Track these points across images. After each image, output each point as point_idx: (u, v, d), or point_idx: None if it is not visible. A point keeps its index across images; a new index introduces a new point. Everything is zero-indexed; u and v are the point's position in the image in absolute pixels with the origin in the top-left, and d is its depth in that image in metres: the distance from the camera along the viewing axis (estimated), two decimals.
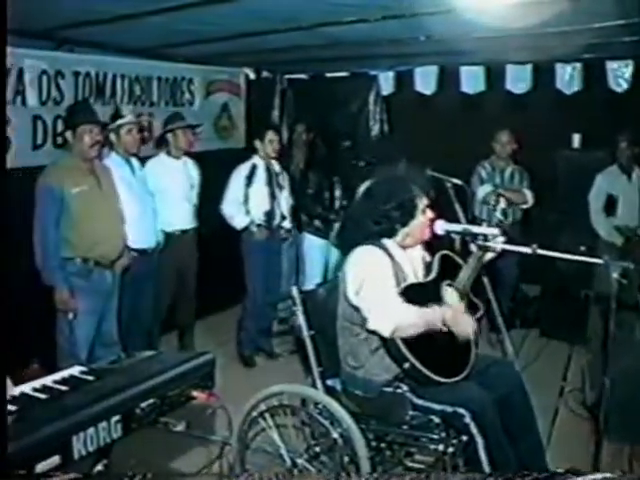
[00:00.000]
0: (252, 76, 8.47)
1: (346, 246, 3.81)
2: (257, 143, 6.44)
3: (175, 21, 5.03)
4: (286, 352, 6.69)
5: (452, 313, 3.64)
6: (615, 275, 3.31)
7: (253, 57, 7.61)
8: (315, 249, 6.86)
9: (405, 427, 3.63)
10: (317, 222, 6.78)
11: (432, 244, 4.00)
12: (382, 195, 3.76)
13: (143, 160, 5.97)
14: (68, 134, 4.96)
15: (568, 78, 7.44)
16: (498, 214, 4.15)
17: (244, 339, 6.57)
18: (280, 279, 6.79)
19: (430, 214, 3.78)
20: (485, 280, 5.26)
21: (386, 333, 3.47)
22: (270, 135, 6.39)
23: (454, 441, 3.50)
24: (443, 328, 3.62)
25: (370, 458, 3.54)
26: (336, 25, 5.28)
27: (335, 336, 3.85)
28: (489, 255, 3.89)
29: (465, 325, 3.68)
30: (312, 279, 6.67)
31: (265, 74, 8.77)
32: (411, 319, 3.50)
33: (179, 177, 6.18)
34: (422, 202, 3.75)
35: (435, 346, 3.61)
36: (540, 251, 3.54)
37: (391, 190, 3.77)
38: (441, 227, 3.83)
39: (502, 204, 4.60)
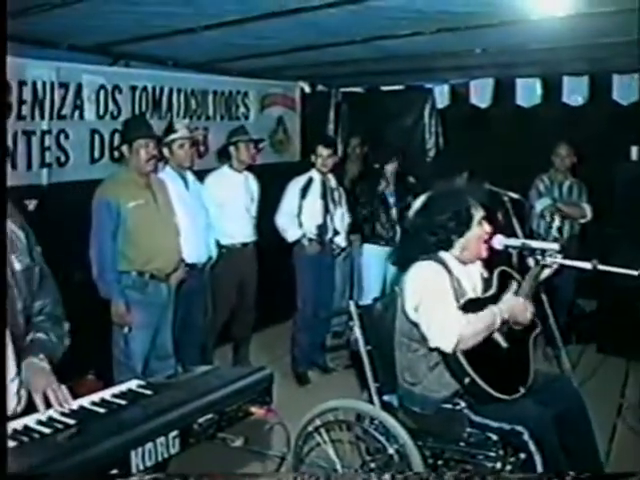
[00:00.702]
0: (307, 90, 8.49)
1: (404, 261, 3.79)
2: (312, 157, 6.45)
3: (230, 35, 5.07)
4: (340, 367, 6.67)
5: (508, 304, 3.65)
6: None
7: (308, 70, 7.63)
8: (374, 261, 6.75)
9: (462, 444, 3.59)
10: (379, 230, 6.70)
11: (490, 260, 3.96)
12: (438, 206, 3.75)
13: (198, 174, 6.01)
14: (124, 148, 5.03)
15: (625, 89, 7.32)
16: (554, 231, 4.10)
17: (298, 355, 6.54)
18: (332, 294, 6.76)
19: (487, 227, 3.74)
20: (543, 296, 5.21)
21: (448, 349, 3.44)
22: (320, 149, 6.38)
23: (511, 459, 3.46)
24: (504, 326, 3.64)
25: None
26: (391, 38, 5.28)
27: (392, 351, 3.81)
28: (547, 271, 3.85)
29: (524, 311, 3.69)
30: (370, 292, 6.58)
31: (320, 88, 8.79)
32: (472, 329, 3.47)
33: (241, 190, 6.22)
34: (478, 213, 3.72)
35: (495, 363, 3.59)
36: (601, 267, 3.49)
37: (447, 201, 3.76)
38: (500, 242, 3.79)
39: (557, 222, 4.54)
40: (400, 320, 3.73)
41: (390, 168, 6.69)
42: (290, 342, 6.61)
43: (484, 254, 3.79)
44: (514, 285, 3.81)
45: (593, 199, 6.99)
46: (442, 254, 3.71)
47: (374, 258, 6.76)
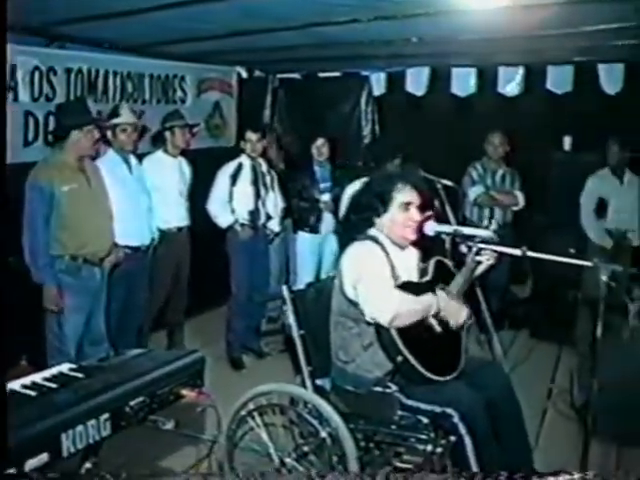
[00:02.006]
0: (244, 75, 8.46)
1: (343, 243, 3.86)
2: (242, 142, 6.47)
3: (168, 19, 5.02)
4: (275, 351, 6.70)
5: (446, 300, 3.72)
6: (604, 278, 3.33)
7: (245, 56, 7.61)
8: (306, 248, 6.91)
9: (394, 427, 3.64)
10: (307, 217, 6.83)
11: (424, 246, 4.02)
12: (366, 189, 3.89)
13: (140, 157, 6.01)
14: (63, 134, 4.97)
15: (559, 79, 7.42)
16: (493, 227, 4.13)
17: (232, 340, 6.55)
18: (267, 278, 6.77)
19: (412, 213, 3.79)
20: (475, 282, 5.29)
21: (385, 321, 3.50)
22: (249, 134, 6.41)
23: (442, 441, 3.51)
24: (433, 322, 3.70)
25: (358, 458, 3.55)
26: (328, 25, 5.29)
27: (325, 335, 3.86)
28: (483, 266, 3.95)
29: (458, 312, 3.76)
30: (304, 278, 6.69)
31: (257, 73, 8.77)
32: (408, 307, 3.55)
33: (175, 175, 6.20)
34: (401, 197, 3.79)
35: (428, 344, 3.66)
36: (530, 253, 3.58)
37: (375, 184, 3.88)
38: (431, 228, 3.87)
39: (497, 215, 4.55)
40: (337, 300, 3.79)
41: (321, 153, 6.79)
42: (225, 327, 6.62)
43: (410, 237, 3.84)
44: (447, 273, 3.91)
45: (526, 188, 7.11)
46: (377, 235, 3.81)
47: (306, 245, 6.90)
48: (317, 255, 6.93)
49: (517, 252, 3.61)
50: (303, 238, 6.90)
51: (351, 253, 3.74)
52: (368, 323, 3.62)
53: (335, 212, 6.71)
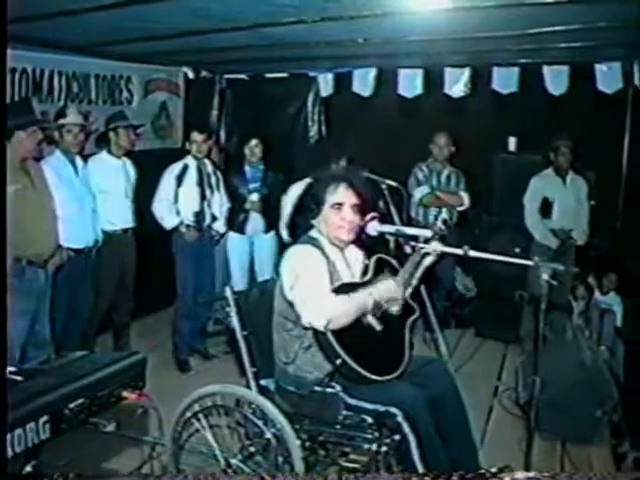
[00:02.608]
0: (191, 75, 8.39)
1: (284, 245, 3.90)
2: (187, 143, 6.46)
3: (114, 18, 4.97)
4: (221, 353, 6.67)
5: (380, 286, 3.74)
6: (545, 277, 3.36)
7: (192, 56, 7.56)
8: (236, 248, 6.96)
9: (338, 427, 3.66)
10: (235, 218, 6.85)
11: (369, 246, 4.04)
12: (305, 190, 3.94)
13: (86, 158, 5.96)
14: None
15: (504, 80, 7.47)
16: (439, 224, 4.16)
17: (178, 342, 6.53)
18: (212, 280, 6.74)
19: (347, 214, 3.79)
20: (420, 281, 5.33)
21: (320, 326, 3.51)
22: (194, 135, 6.40)
23: (387, 440, 3.53)
24: (373, 321, 3.71)
25: (304, 458, 3.57)
26: (275, 26, 5.28)
27: (269, 336, 3.86)
28: (427, 261, 3.96)
29: (394, 291, 3.78)
30: (236, 278, 6.82)
31: (204, 74, 8.71)
32: (343, 308, 3.56)
33: (120, 176, 6.15)
34: (333, 197, 3.78)
35: (368, 344, 3.67)
36: (472, 253, 3.60)
37: (312, 185, 3.92)
38: (374, 228, 3.90)
39: (444, 214, 4.56)
40: (278, 301, 3.78)
41: (253, 154, 6.82)
42: (171, 329, 6.61)
43: (343, 237, 3.82)
44: (390, 272, 3.92)
45: (472, 188, 7.15)
46: (318, 237, 3.82)
47: (235, 246, 6.95)
48: (248, 255, 6.99)
49: (459, 252, 3.63)
50: (232, 239, 6.92)
51: (289, 255, 3.76)
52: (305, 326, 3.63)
53: (264, 212, 6.82)
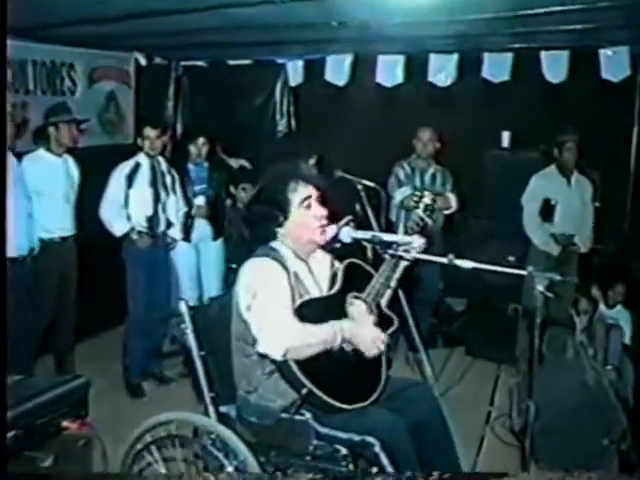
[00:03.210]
0: (143, 62, 8.37)
1: (239, 256, 3.88)
2: (139, 139, 6.45)
3: None
4: (178, 376, 6.65)
5: (353, 326, 3.70)
6: (540, 288, 3.36)
7: (144, 41, 7.54)
8: (181, 257, 6.94)
9: (308, 458, 3.64)
10: (177, 223, 6.76)
11: (341, 254, 4.05)
12: (259, 196, 3.88)
13: (20, 156, 5.90)
14: None
15: (496, 67, 7.48)
16: (420, 212, 4.17)
17: (130, 364, 6.51)
18: (168, 293, 6.69)
19: (318, 210, 3.80)
20: (400, 294, 5.32)
21: (277, 356, 3.51)
22: (147, 131, 6.38)
23: (362, 472, 3.55)
24: (345, 345, 3.68)
25: None
26: (239, 7, 5.27)
27: (229, 357, 3.84)
28: (404, 263, 3.97)
29: (370, 339, 3.72)
30: (185, 291, 6.81)
31: (158, 60, 8.70)
32: (305, 339, 3.54)
33: (60, 177, 6.14)
34: (298, 194, 3.78)
35: (338, 369, 3.65)
36: (457, 262, 3.54)
37: (272, 188, 3.85)
38: (348, 234, 3.80)
39: (426, 199, 4.38)
40: (235, 321, 3.77)
41: (200, 153, 6.87)
42: (122, 350, 6.57)
43: (319, 239, 3.83)
44: (363, 279, 3.94)
45: (460, 189, 7.18)
46: (279, 248, 3.80)
47: (180, 255, 6.92)
48: (195, 266, 7.03)
49: (443, 260, 3.60)
50: (178, 247, 6.85)
51: (246, 270, 3.75)
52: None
53: (212, 218, 6.87)
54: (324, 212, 3.81)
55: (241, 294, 3.70)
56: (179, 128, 8.78)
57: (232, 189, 7.50)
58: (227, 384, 3.88)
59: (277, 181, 3.84)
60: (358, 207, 5.67)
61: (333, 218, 3.86)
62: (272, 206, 3.78)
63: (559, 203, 6.93)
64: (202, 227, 6.92)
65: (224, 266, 7.19)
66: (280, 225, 3.78)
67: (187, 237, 6.85)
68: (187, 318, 3.79)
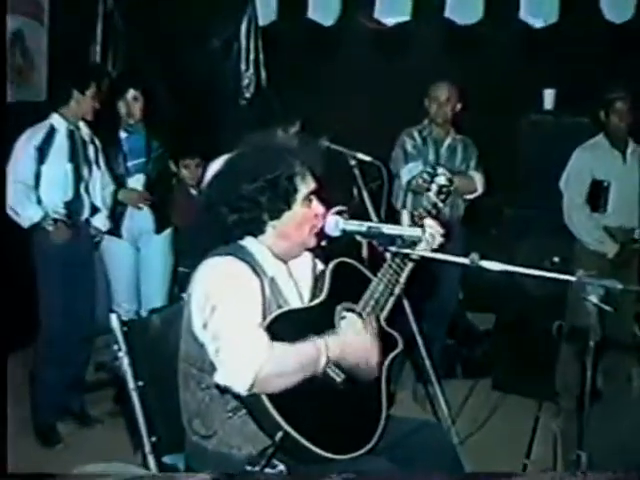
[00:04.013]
0: None
1: (193, 255, 3.85)
2: (54, 95, 6.44)
3: None
4: (106, 414, 6.68)
5: (342, 342, 3.68)
6: (594, 299, 3.30)
7: None
8: (113, 257, 6.98)
9: None
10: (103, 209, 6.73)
11: (328, 253, 4.07)
12: (245, 171, 3.78)
13: None
14: None
15: (539, 6, 7.49)
16: (433, 195, 4.17)
17: (41, 400, 6.47)
18: (93, 303, 6.69)
19: (318, 207, 3.82)
20: (406, 307, 5.35)
21: (242, 389, 3.43)
22: (70, 85, 6.36)
23: None
24: (332, 370, 3.67)
25: None
26: None
27: (176, 389, 3.85)
28: (411, 265, 4.01)
29: (365, 361, 3.72)
30: (119, 300, 6.88)
31: None
32: (279, 365, 3.47)
33: None
34: (306, 185, 3.78)
35: (322, 405, 3.62)
36: (483, 263, 3.54)
37: (259, 164, 3.78)
38: (336, 226, 3.79)
39: (441, 178, 4.31)
40: (186, 342, 3.74)
41: (131, 113, 6.85)
42: (29, 380, 6.54)
43: (311, 244, 3.86)
44: (357, 284, 3.96)
45: (487, 165, 7.22)
46: (251, 246, 3.77)
47: (111, 254, 6.97)
48: (131, 268, 7.04)
49: (464, 261, 3.62)
50: (108, 244, 6.89)
51: (203, 275, 3.69)
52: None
53: (154, 205, 6.88)
54: (323, 210, 3.84)
55: (195, 306, 3.64)
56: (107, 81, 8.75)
57: (172, 166, 7.51)
58: (174, 426, 3.86)
59: (271, 157, 3.81)
60: (353, 190, 5.70)
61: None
62: (268, 190, 3.72)
63: (613, 185, 6.86)
64: (141, 217, 6.92)
65: (171, 269, 7.20)
66: (277, 217, 3.76)
67: (117, 228, 6.85)
68: (120, 337, 3.81)
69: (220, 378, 3.47)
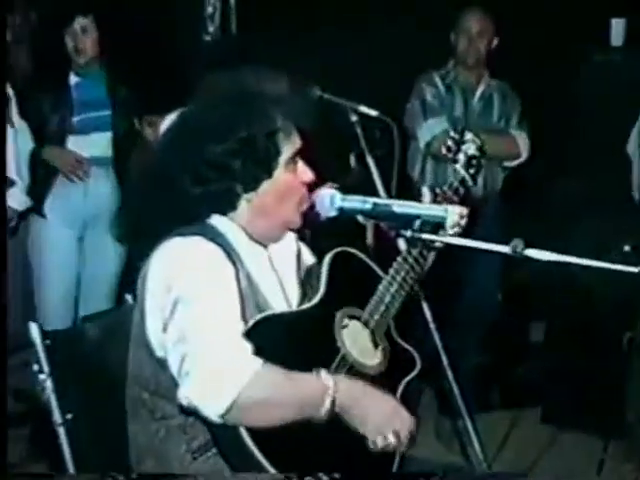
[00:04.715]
0: None
1: (138, 238, 3.81)
2: None
3: None
4: (23, 458, 6.70)
5: (356, 390, 3.57)
6: None
7: None
8: (47, 246, 6.98)
9: None
10: (43, 188, 6.80)
11: (321, 238, 4.06)
12: (210, 128, 3.69)
13: None
14: None
15: None
16: (460, 167, 4.13)
17: None
18: (3, 307, 6.64)
19: (305, 172, 3.77)
20: (427, 314, 5.36)
21: (214, 412, 3.30)
22: None
23: None
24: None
25: None
26: None
27: (123, 422, 3.86)
28: (432, 256, 4.03)
29: (380, 420, 3.59)
30: (55, 305, 6.85)
31: None
32: (269, 391, 3.37)
33: None
34: (291, 145, 3.75)
35: (319, 442, 3.54)
36: (530, 252, 3.56)
37: (229, 118, 3.70)
38: (331, 202, 3.79)
39: (471, 145, 4.26)
40: (136, 357, 3.71)
41: (80, 50, 6.78)
42: None
43: (295, 221, 3.82)
44: (363, 282, 3.94)
45: (534, 122, 7.21)
46: (223, 226, 3.72)
47: (42, 241, 6.96)
48: (68, 265, 7.04)
49: (505, 250, 3.62)
50: (37, 227, 6.93)
51: (162, 262, 3.60)
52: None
53: (119, 171, 6.85)
54: (311, 176, 3.79)
55: (150, 303, 3.58)
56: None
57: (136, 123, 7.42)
58: (117, 469, 3.83)
59: (243, 108, 3.73)
60: (350, 155, 5.69)
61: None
62: (241, 152, 3.63)
63: None
64: (95, 191, 6.86)
65: (117, 261, 7.17)
66: (254, 187, 3.69)
67: (39, 206, 6.83)
68: (41, 354, 3.80)
69: (186, 395, 3.29)
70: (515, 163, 7.05)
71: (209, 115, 3.75)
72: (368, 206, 3.78)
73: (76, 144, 6.76)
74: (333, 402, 3.40)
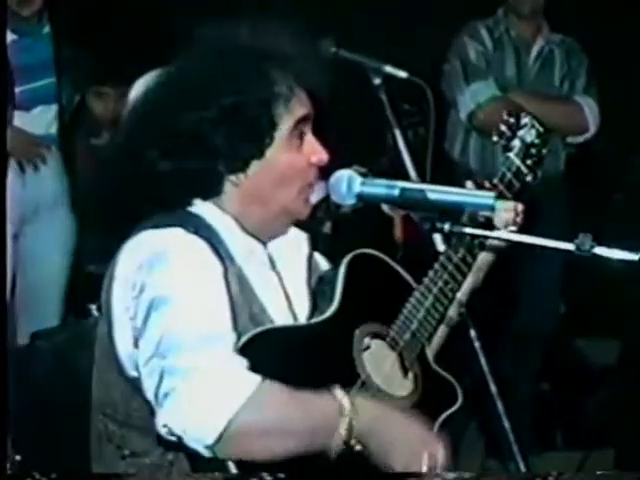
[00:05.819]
0: None
1: (107, 227, 3.78)
2: None
3: None
4: None
5: (378, 414, 3.57)
6: None
7: None
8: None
9: None
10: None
11: (335, 235, 4.05)
12: (187, 92, 3.68)
13: None
14: None
15: None
16: (515, 157, 4.08)
17: None
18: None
19: (315, 147, 3.75)
20: (471, 328, 5.37)
21: (201, 442, 3.24)
22: None
23: None
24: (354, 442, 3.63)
25: None
26: None
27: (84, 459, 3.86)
28: (483, 258, 4.00)
29: (410, 451, 3.57)
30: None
31: None
32: (268, 416, 3.37)
33: None
34: (290, 116, 3.73)
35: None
36: (601, 251, 3.55)
37: (211, 80, 3.68)
38: (348, 187, 3.72)
39: (530, 133, 4.23)
40: (101, 380, 3.71)
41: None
42: None
43: (301, 211, 3.80)
44: (387, 295, 3.92)
45: (603, 88, 7.22)
46: (209, 215, 3.70)
47: None
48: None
49: (569, 247, 3.61)
50: None
51: (134, 258, 3.56)
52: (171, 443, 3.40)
53: (67, 158, 6.83)
54: (323, 154, 3.74)
55: (119, 310, 3.57)
56: None
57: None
58: None
59: (243, 73, 3.67)
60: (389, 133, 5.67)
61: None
62: (228, 121, 3.59)
63: None
64: (29, 179, 6.89)
65: (62, 264, 7.15)
66: (241, 168, 3.65)
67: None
68: None
69: (165, 422, 3.25)
70: (581, 139, 6.99)
71: (187, 76, 3.74)
72: (395, 192, 3.61)
73: (19, 121, 6.73)
74: (350, 427, 3.37)
